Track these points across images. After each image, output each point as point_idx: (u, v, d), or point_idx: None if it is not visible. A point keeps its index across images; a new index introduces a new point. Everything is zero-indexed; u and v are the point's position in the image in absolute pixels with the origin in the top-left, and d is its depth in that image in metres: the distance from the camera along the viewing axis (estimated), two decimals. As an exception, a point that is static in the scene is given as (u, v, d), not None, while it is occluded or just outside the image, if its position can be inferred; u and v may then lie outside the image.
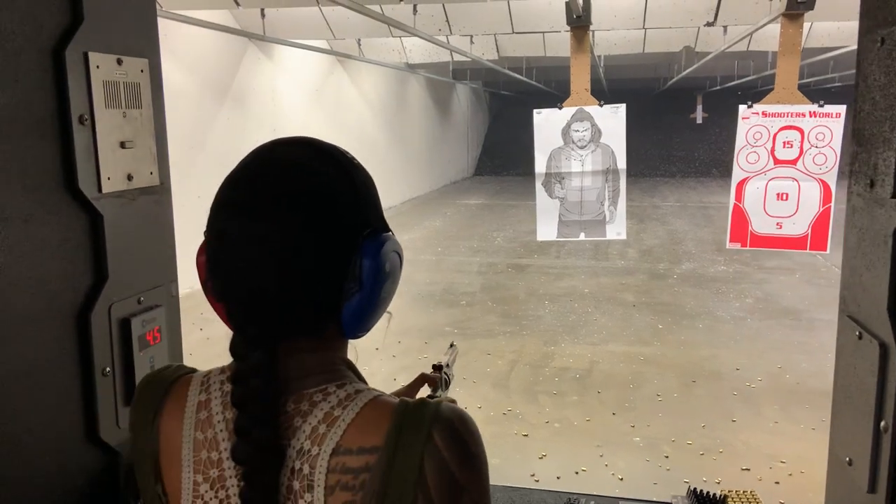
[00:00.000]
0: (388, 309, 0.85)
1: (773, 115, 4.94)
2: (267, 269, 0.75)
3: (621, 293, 8.66)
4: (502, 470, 4.29)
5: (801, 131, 4.88)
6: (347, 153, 0.83)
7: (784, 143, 4.94)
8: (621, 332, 7.07)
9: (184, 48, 8.19)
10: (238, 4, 6.60)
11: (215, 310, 0.83)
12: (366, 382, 0.84)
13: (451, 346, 1.42)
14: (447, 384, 1.31)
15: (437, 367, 1.30)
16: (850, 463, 1.24)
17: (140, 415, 0.85)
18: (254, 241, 0.75)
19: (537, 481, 4.13)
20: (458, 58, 11.74)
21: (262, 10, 8.19)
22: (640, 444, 4.63)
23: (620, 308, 7.99)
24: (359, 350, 0.89)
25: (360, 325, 0.80)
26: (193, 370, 0.87)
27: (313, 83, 12.35)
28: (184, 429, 0.80)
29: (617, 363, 6.17)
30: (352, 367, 0.85)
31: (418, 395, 1.25)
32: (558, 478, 4.18)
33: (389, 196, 16.28)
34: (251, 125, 9.99)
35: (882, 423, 1.11)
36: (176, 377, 0.85)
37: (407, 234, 12.89)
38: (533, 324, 7.44)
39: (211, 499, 0.78)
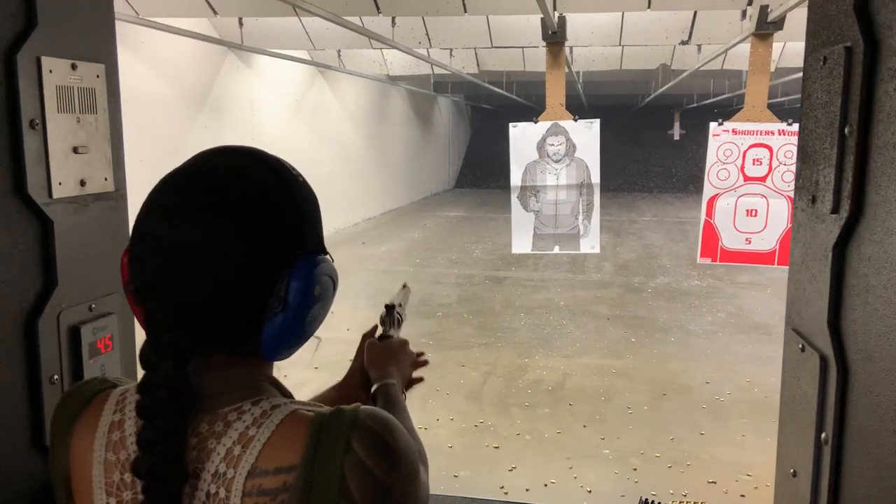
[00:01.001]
0: (318, 334, 0.82)
1: (743, 132, 5.03)
2: (191, 276, 0.72)
3: (596, 306, 8.70)
4: (472, 482, 4.28)
5: (770, 149, 4.97)
6: (293, 168, 0.81)
7: (754, 160, 5.02)
8: (595, 345, 7.11)
9: (161, 56, 8.15)
10: (216, 13, 6.58)
11: (135, 314, 0.80)
12: (291, 396, 0.82)
13: (404, 286, 1.38)
14: (399, 323, 1.27)
15: (389, 307, 1.26)
16: (794, 474, 1.25)
17: (54, 432, 0.82)
18: (182, 246, 0.73)
19: (506, 493, 4.12)
20: (438, 71, 11.79)
21: (241, 19, 8.17)
22: (610, 456, 4.64)
23: (595, 321, 8.03)
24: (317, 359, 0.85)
25: (280, 347, 0.77)
26: (115, 385, 0.83)
27: (293, 93, 12.34)
28: (95, 449, 0.77)
29: (589, 376, 6.19)
30: (275, 383, 0.81)
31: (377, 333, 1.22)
32: (527, 490, 4.18)
33: (369, 207, 16.26)
34: (229, 134, 9.95)
35: (823, 435, 1.13)
36: (94, 393, 0.82)
37: (385, 245, 12.87)
38: (508, 336, 7.45)
39: None
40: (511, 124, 5.23)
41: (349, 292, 8.65)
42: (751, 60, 4.90)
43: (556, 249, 5.26)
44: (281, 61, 10.59)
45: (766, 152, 5.08)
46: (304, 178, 0.81)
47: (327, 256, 0.81)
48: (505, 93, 15.24)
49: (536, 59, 10.65)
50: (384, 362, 1.13)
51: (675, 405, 5.53)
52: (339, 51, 11.00)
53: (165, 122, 8.36)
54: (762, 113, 4.96)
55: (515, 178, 5.15)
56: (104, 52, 1.46)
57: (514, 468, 4.45)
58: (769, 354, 6.49)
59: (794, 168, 5.04)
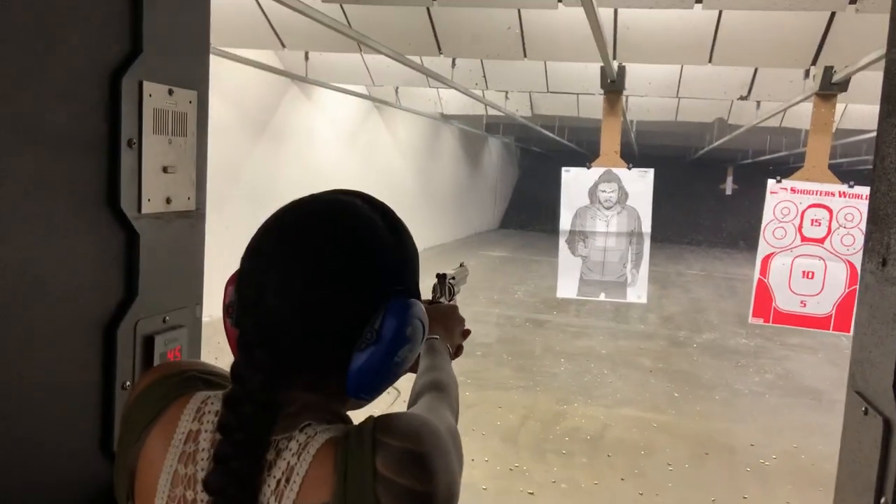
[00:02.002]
0: (397, 387, 0.81)
1: (802, 191, 4.96)
2: (293, 294, 0.74)
3: (639, 357, 8.56)
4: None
5: (830, 210, 4.88)
6: (399, 218, 0.84)
7: (812, 220, 4.94)
8: (636, 397, 6.98)
9: (228, 83, 8.48)
10: (284, 46, 6.85)
11: (228, 337, 0.81)
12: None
13: (461, 265, 1.39)
14: (452, 294, 1.27)
15: (441, 276, 1.25)
16: (851, 540, 1.23)
17: (132, 420, 0.81)
18: (288, 265, 0.74)
19: (539, 542, 4.05)
20: (492, 112, 11.96)
21: (307, 53, 8.47)
22: (648, 513, 4.53)
23: (637, 372, 7.89)
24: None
25: (365, 381, 0.76)
26: (198, 384, 0.82)
27: (349, 126, 12.64)
28: (167, 458, 0.76)
29: (630, 428, 6.07)
30: (343, 419, 0.79)
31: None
32: (561, 540, 4.11)
33: (419, 255, 16.35)
34: (285, 163, 10.22)
35: (882, 500, 1.11)
36: (177, 394, 0.81)
37: (427, 280, 12.90)
38: (547, 380, 7.37)
39: None
40: (564, 168, 5.26)
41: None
42: (813, 120, 4.87)
43: (602, 296, 5.22)
44: (339, 95, 10.89)
45: (825, 213, 4.98)
46: (407, 227, 0.84)
47: (420, 301, 0.81)
48: (557, 137, 15.32)
49: (591, 105, 10.73)
50: (430, 322, 1.09)
51: (718, 465, 5.37)
52: (397, 87, 11.26)
53: (227, 147, 8.65)
54: (823, 173, 4.90)
55: (565, 223, 5.16)
56: (197, 80, 1.55)
57: (549, 516, 4.38)
58: (818, 421, 6.28)
59: (853, 231, 4.94)
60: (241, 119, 9.11)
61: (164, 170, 1.46)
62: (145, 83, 1.37)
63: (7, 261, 1.11)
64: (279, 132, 10.16)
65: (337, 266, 0.75)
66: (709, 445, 5.75)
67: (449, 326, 1.17)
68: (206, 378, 0.84)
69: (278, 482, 0.70)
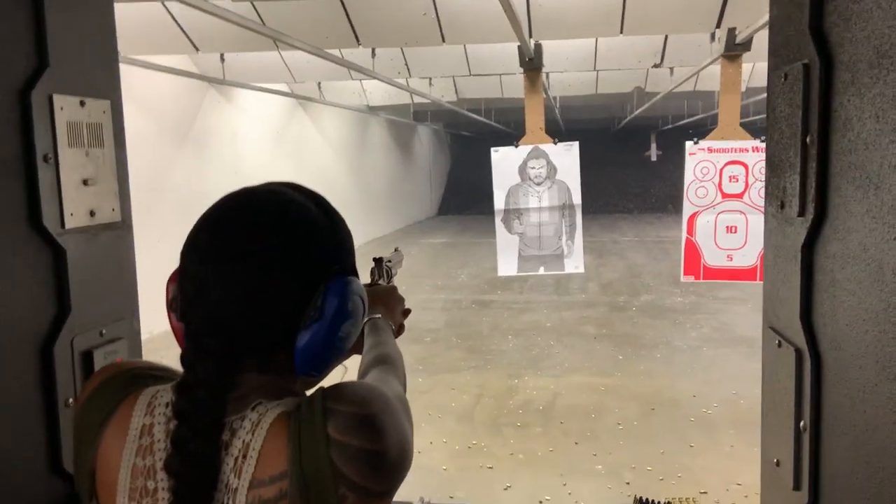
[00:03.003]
0: (346, 364, 0.85)
1: (718, 150, 5.17)
2: (234, 284, 0.77)
3: (583, 326, 8.79)
4: (468, 503, 4.30)
5: (746, 166, 5.11)
6: (330, 204, 0.88)
7: (730, 177, 5.16)
8: (583, 364, 7.18)
9: (143, 92, 8.23)
10: (197, 49, 6.69)
11: (174, 332, 0.83)
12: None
13: (396, 249, 1.45)
14: (389, 277, 1.32)
15: (378, 260, 1.30)
16: (777, 464, 1.33)
17: (84, 423, 0.83)
18: (226, 256, 0.77)
19: (502, 513, 4.15)
20: (418, 99, 11.97)
21: (222, 54, 8.29)
22: (602, 471, 4.69)
23: (582, 340, 8.11)
24: None
25: (311, 357, 0.79)
26: (146, 381, 0.84)
27: (274, 126, 12.44)
28: (125, 453, 0.78)
29: (579, 394, 6.25)
30: (293, 392, 0.82)
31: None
32: (523, 509, 4.22)
33: (352, 236, 16.28)
34: (212, 168, 10.01)
35: (801, 423, 1.21)
36: (126, 394, 0.82)
37: (364, 266, 12.88)
38: (497, 358, 7.50)
39: None
40: (493, 149, 5.34)
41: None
42: (722, 81, 5.08)
43: (542, 270, 5.34)
44: (261, 95, 10.71)
45: (741, 169, 5.20)
46: (338, 212, 0.88)
47: (358, 279, 0.85)
48: (484, 119, 15.45)
49: (514, 85, 10.86)
50: (371, 303, 1.14)
51: (664, 419, 5.60)
52: (320, 83, 11.14)
53: (149, 157, 8.41)
54: (735, 131, 5.12)
55: (499, 202, 5.24)
56: (109, 89, 1.53)
57: (509, 487, 4.49)
58: (754, 367, 6.57)
59: (768, 182, 5.18)
60: (160, 127, 8.86)
61: (84, 182, 1.44)
62: (55, 96, 1.35)
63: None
64: (202, 137, 9.92)
65: (275, 252, 0.78)
66: (655, 402, 5.98)
67: (390, 305, 1.21)
68: (152, 374, 0.86)
69: (236, 459, 0.74)
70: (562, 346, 7.90)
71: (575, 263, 5.37)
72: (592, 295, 10.72)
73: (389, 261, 1.38)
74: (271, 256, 0.78)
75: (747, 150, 5.31)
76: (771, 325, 1.38)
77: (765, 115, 1.36)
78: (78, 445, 0.84)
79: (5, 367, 1.26)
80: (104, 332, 1.49)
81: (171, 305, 0.83)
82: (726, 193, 5.31)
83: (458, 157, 28.42)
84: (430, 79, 10.66)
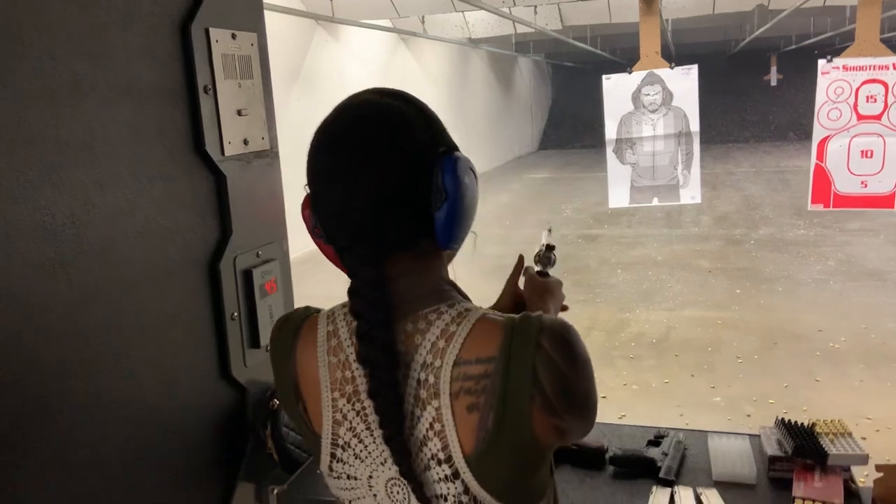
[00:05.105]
0: (473, 229, 0.93)
1: (855, 68, 4.77)
2: (362, 191, 0.85)
3: (696, 260, 8.52)
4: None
5: (886, 85, 4.69)
6: (412, 96, 0.95)
7: (867, 97, 4.76)
8: (697, 298, 6.99)
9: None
10: (306, -12, 6.80)
11: (325, 254, 0.94)
12: (471, 301, 0.93)
13: (549, 231, 1.48)
14: (554, 263, 1.37)
15: (550, 247, 1.35)
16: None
17: (278, 349, 0.97)
18: (348, 169, 0.86)
19: (617, 441, 4.19)
20: (521, 30, 11.66)
21: (329, -8, 8.37)
22: (721, 404, 4.62)
23: (696, 274, 7.88)
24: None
25: (452, 232, 0.88)
26: (318, 310, 0.98)
27: (378, 64, 12.53)
28: (318, 355, 0.91)
29: (694, 328, 6.12)
30: (456, 288, 0.93)
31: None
32: (638, 438, 4.23)
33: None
34: (320, 108, 10.20)
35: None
36: (303, 319, 0.96)
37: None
38: (606, 292, 7.43)
39: (349, 411, 0.89)
40: (604, 76, 5.16)
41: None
42: (862, -10, 4.63)
43: (655, 201, 5.18)
44: (365, 32, 10.78)
45: (881, 88, 4.80)
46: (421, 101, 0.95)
47: (462, 155, 0.92)
48: (590, 47, 14.89)
49: (623, 10, 10.37)
50: (544, 297, 1.26)
51: (787, 353, 5.40)
52: (423, 16, 11.06)
53: (263, 99, 8.71)
54: (875, 46, 4.68)
55: (610, 132, 5.09)
56: (255, 23, 1.60)
57: (623, 416, 4.51)
58: (886, 301, 6.22)
59: (912, 103, 4.74)
60: (273, 67, 9.12)
61: (239, 112, 1.53)
62: (211, 30, 1.43)
63: (116, 204, 1.21)
64: (311, 78, 10.15)
65: (392, 154, 0.86)
66: (776, 336, 5.77)
67: (558, 300, 1.29)
68: (317, 308, 1.00)
69: (433, 343, 0.84)
70: (674, 280, 7.71)
71: (691, 194, 5.18)
72: (706, 228, 10.33)
73: (554, 247, 1.40)
74: (389, 158, 0.86)
75: (888, 68, 4.88)
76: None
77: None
78: (277, 365, 0.97)
79: (183, 282, 1.38)
80: (260, 252, 1.60)
81: (315, 232, 0.92)
82: (862, 115, 4.93)
83: (561, 89, 27.64)
84: (535, 7, 10.34)
